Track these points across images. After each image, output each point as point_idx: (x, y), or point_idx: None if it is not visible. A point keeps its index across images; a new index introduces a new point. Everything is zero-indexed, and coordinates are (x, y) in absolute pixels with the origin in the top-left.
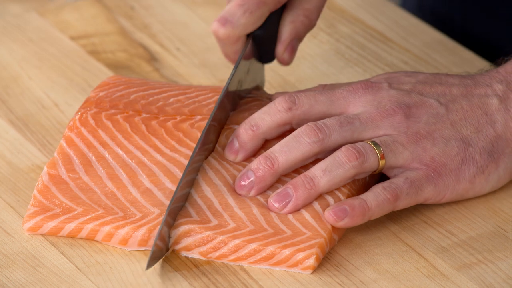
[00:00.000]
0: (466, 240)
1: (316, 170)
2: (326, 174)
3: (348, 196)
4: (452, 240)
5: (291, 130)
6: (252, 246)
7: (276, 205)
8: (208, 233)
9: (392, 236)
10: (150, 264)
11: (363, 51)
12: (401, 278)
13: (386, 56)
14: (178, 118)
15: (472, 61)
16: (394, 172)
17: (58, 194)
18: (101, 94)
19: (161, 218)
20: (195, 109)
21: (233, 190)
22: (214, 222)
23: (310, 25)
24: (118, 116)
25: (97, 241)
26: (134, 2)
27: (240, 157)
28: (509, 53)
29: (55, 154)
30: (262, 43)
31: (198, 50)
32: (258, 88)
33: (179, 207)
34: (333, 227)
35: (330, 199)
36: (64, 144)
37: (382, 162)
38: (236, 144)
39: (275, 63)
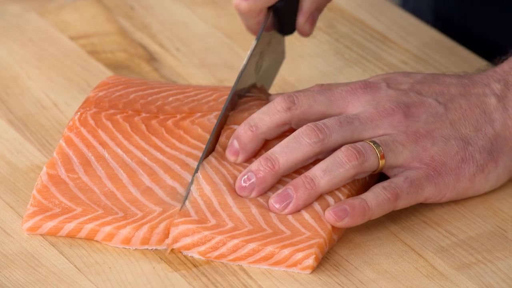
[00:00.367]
0: (465, 240)
1: (316, 171)
2: (326, 174)
3: (348, 196)
4: (452, 240)
5: (291, 130)
6: (251, 246)
7: (277, 206)
8: (206, 233)
9: (391, 236)
10: None
11: (362, 51)
12: (400, 278)
13: (386, 56)
14: (178, 116)
15: (471, 61)
16: (394, 171)
17: (58, 194)
18: (100, 94)
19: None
20: (194, 107)
21: (232, 189)
22: (213, 221)
23: None
24: (118, 116)
25: (96, 241)
26: (134, 2)
27: (240, 158)
28: (506, 52)
29: (55, 154)
30: (283, 15)
31: (198, 50)
32: (261, 90)
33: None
34: (333, 227)
35: (330, 199)
36: (64, 144)
37: (382, 162)
38: (236, 145)
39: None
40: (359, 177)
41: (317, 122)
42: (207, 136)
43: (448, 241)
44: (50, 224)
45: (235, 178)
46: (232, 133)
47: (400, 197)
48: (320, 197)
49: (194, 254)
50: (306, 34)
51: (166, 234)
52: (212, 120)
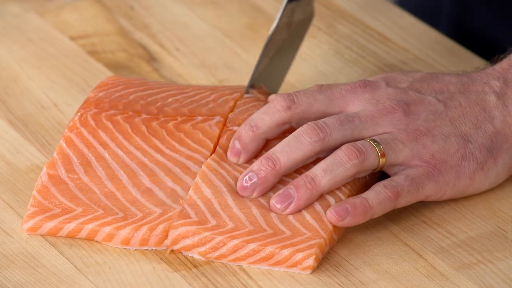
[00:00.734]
0: (465, 240)
1: (317, 170)
2: (327, 173)
3: (349, 196)
4: (452, 240)
5: (291, 129)
6: (252, 246)
7: (278, 206)
8: (206, 233)
9: (391, 237)
10: None
11: (362, 51)
12: (400, 278)
13: (385, 56)
14: (179, 119)
15: (471, 61)
16: (395, 169)
17: (58, 195)
18: (100, 94)
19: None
20: (194, 109)
21: (233, 191)
22: (213, 222)
23: None
24: (118, 117)
25: (96, 241)
26: (134, 2)
27: (242, 158)
28: (505, 50)
29: (55, 154)
30: None
31: (198, 50)
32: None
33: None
34: (334, 227)
35: (331, 199)
36: (64, 145)
37: (382, 160)
38: (238, 146)
39: None
40: (360, 175)
41: (317, 121)
42: (208, 142)
43: (448, 242)
44: (50, 225)
45: (235, 179)
46: (232, 134)
47: (401, 195)
48: (321, 197)
49: (194, 254)
50: None
51: (165, 236)
52: (213, 126)
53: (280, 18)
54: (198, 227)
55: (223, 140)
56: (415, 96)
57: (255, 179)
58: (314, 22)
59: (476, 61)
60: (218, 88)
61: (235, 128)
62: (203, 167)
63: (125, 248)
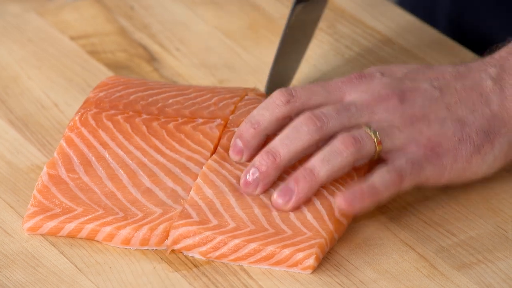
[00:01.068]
0: (466, 240)
1: (315, 161)
2: (324, 164)
3: None
4: (452, 240)
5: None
6: (252, 246)
7: (280, 201)
8: (208, 233)
9: (392, 236)
10: None
11: (362, 51)
12: (401, 278)
13: (385, 56)
14: (180, 120)
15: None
16: (392, 156)
17: (58, 194)
18: (100, 94)
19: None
20: (195, 111)
21: (234, 190)
22: (214, 222)
23: None
24: (119, 117)
25: (97, 241)
26: (134, 2)
27: (245, 156)
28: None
29: (55, 154)
30: None
31: (198, 50)
32: None
33: None
34: (335, 227)
35: (331, 199)
36: (64, 144)
37: (379, 147)
38: (240, 144)
39: None
40: (358, 163)
41: (314, 111)
42: (209, 143)
43: (448, 241)
44: (51, 224)
45: (237, 178)
46: (233, 135)
47: (404, 179)
48: (321, 196)
49: (195, 254)
50: None
51: (166, 236)
52: (213, 129)
53: (291, 16)
54: (199, 227)
55: (223, 140)
56: (411, 84)
57: (257, 174)
58: None
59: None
60: (218, 91)
61: (236, 129)
62: (204, 168)
63: (126, 248)
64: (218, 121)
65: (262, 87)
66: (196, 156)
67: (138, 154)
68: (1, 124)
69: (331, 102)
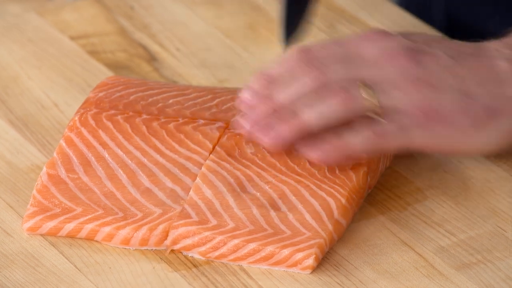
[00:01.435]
0: (465, 240)
1: (298, 104)
2: (308, 107)
3: (348, 198)
4: (452, 240)
5: None
6: (252, 246)
7: (259, 129)
8: (207, 233)
9: (391, 236)
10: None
11: None
12: (400, 278)
13: None
14: (180, 120)
15: None
16: (384, 114)
17: (58, 194)
18: (100, 94)
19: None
20: (196, 112)
21: (233, 190)
22: (214, 222)
23: None
24: (119, 117)
25: (96, 241)
26: (134, 2)
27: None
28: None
29: (55, 154)
30: None
31: (198, 50)
32: None
33: None
34: (334, 227)
35: (330, 200)
36: (64, 144)
37: (374, 101)
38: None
39: None
40: (349, 115)
41: (317, 56)
42: (208, 143)
43: (448, 241)
44: (50, 224)
45: (236, 178)
46: (233, 136)
47: (387, 140)
48: (320, 198)
49: (194, 254)
50: None
51: (165, 236)
52: (214, 130)
53: None
54: (199, 227)
55: (223, 140)
56: (426, 48)
57: (250, 95)
58: (314, 22)
59: None
60: (218, 91)
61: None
62: (203, 168)
63: (125, 248)
64: (220, 123)
65: None
66: (195, 156)
67: (137, 154)
68: (1, 124)
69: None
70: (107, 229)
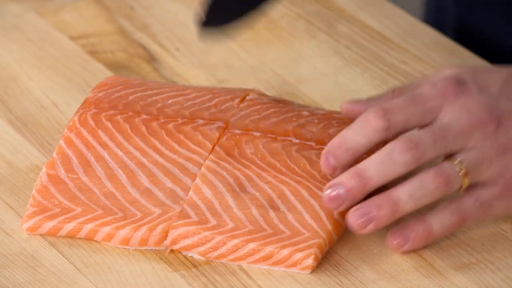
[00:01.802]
0: (465, 240)
1: (403, 194)
2: (413, 200)
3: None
4: (451, 240)
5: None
6: (251, 246)
7: (355, 222)
8: (206, 233)
9: None
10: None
11: (362, 51)
12: (400, 278)
13: (385, 56)
14: (180, 120)
15: (471, 61)
16: (469, 190)
17: (57, 194)
18: (99, 94)
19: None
20: (195, 112)
21: (233, 190)
22: (213, 222)
23: None
24: (118, 117)
25: (96, 241)
26: (134, 2)
27: (339, 173)
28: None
29: (54, 154)
30: None
31: (198, 50)
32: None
33: None
34: (333, 227)
35: None
36: (63, 144)
37: (465, 182)
38: (333, 162)
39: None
40: (443, 197)
41: (411, 137)
42: (208, 143)
43: (447, 241)
44: (50, 224)
45: (236, 178)
46: (233, 136)
47: (467, 220)
48: (319, 198)
49: (194, 254)
50: None
51: (165, 236)
52: (213, 130)
53: None
54: (198, 227)
55: (223, 140)
56: (507, 106)
57: (342, 192)
58: (314, 22)
59: (476, 61)
60: (218, 91)
61: (237, 131)
62: (202, 168)
63: (125, 248)
64: (219, 123)
65: (262, 87)
66: (195, 156)
67: (137, 154)
68: (1, 124)
69: (427, 121)
70: (106, 229)
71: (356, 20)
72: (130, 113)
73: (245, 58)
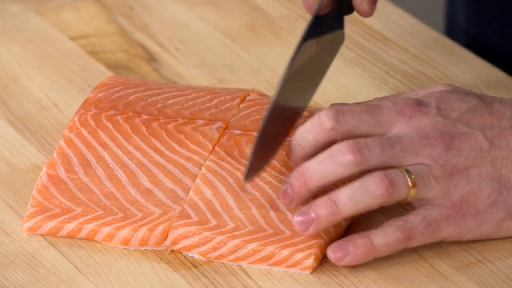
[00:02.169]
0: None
1: (342, 195)
2: (351, 201)
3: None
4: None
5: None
6: (251, 246)
7: (298, 225)
8: (207, 233)
9: None
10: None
11: (362, 51)
12: (400, 279)
13: (385, 56)
14: (180, 120)
15: (469, 61)
16: (418, 203)
17: (57, 195)
18: (100, 95)
19: (164, 217)
20: (195, 112)
21: (233, 190)
22: (213, 222)
23: None
24: (119, 117)
25: (96, 241)
26: (134, 2)
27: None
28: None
29: (54, 155)
30: None
31: (198, 50)
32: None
33: None
34: (333, 228)
35: None
36: (64, 145)
37: (412, 193)
38: (287, 157)
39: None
40: (384, 205)
41: (357, 141)
42: (208, 144)
43: (448, 241)
44: (50, 225)
45: (236, 179)
46: (233, 136)
47: (413, 238)
48: None
49: (194, 254)
50: (365, 13)
51: (165, 236)
52: (213, 130)
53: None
54: (199, 227)
55: (223, 140)
56: (462, 129)
57: (289, 191)
58: None
59: (475, 60)
60: (218, 92)
61: (237, 131)
62: (203, 169)
63: (125, 248)
64: (219, 123)
65: (262, 87)
66: (195, 157)
67: (137, 154)
68: (1, 124)
69: (377, 132)
70: (107, 229)
71: (356, 20)
72: (130, 113)
73: (245, 58)
